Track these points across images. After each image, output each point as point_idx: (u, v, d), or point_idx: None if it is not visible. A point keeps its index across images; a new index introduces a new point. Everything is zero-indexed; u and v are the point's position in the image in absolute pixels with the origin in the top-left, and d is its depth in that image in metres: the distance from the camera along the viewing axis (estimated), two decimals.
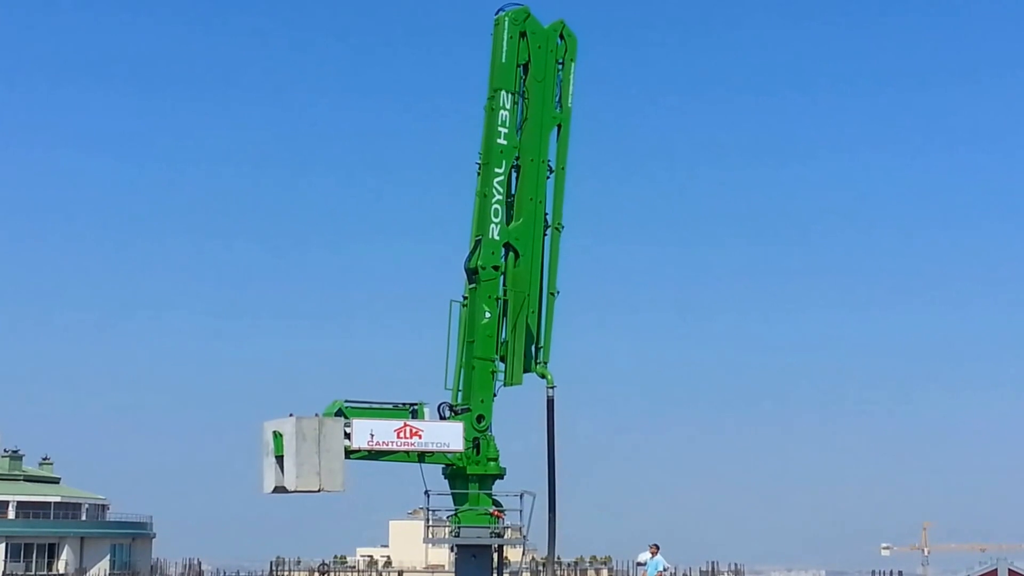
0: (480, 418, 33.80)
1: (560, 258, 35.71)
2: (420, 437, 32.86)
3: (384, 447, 32.60)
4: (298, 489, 31.55)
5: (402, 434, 32.71)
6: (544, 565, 56.27)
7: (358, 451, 32.32)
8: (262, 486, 32.58)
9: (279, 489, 32.07)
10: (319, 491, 31.75)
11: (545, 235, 35.55)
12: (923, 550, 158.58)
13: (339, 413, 32.42)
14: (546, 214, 35.66)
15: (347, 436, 32.10)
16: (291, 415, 31.88)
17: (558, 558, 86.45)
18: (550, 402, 34.62)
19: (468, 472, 33.69)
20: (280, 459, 31.87)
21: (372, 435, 32.41)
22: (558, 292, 35.51)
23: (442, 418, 33.48)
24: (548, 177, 35.77)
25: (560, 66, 36.24)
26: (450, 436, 33.19)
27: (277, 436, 31.94)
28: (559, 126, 36.12)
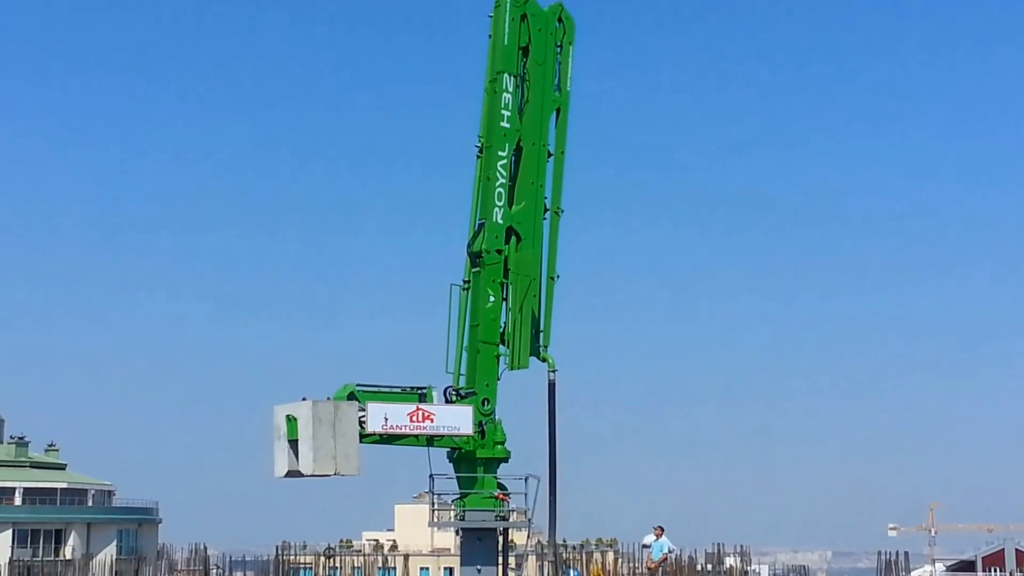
0: (485, 401, 33.78)
1: (559, 242, 35.60)
2: (432, 421, 32.77)
3: (397, 431, 32.47)
4: (314, 473, 31.29)
5: (415, 418, 32.61)
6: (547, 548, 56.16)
7: (371, 435, 32.17)
8: (274, 471, 32.30)
9: (293, 473, 31.83)
10: (335, 475, 31.54)
11: (544, 219, 35.48)
12: (930, 530, 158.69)
13: (351, 397, 32.24)
14: (545, 198, 35.59)
15: (361, 420, 31.92)
16: (304, 399, 31.70)
17: (563, 541, 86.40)
18: (551, 386, 34.58)
19: (477, 456, 33.66)
20: (293, 443, 31.62)
21: (386, 419, 32.27)
22: (558, 276, 35.50)
23: (448, 402, 33.44)
24: (547, 161, 35.70)
25: (558, 49, 36.16)
26: (460, 420, 33.11)
27: (291, 420, 31.68)
28: (558, 110, 36.07)
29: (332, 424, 31.25)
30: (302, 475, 31.64)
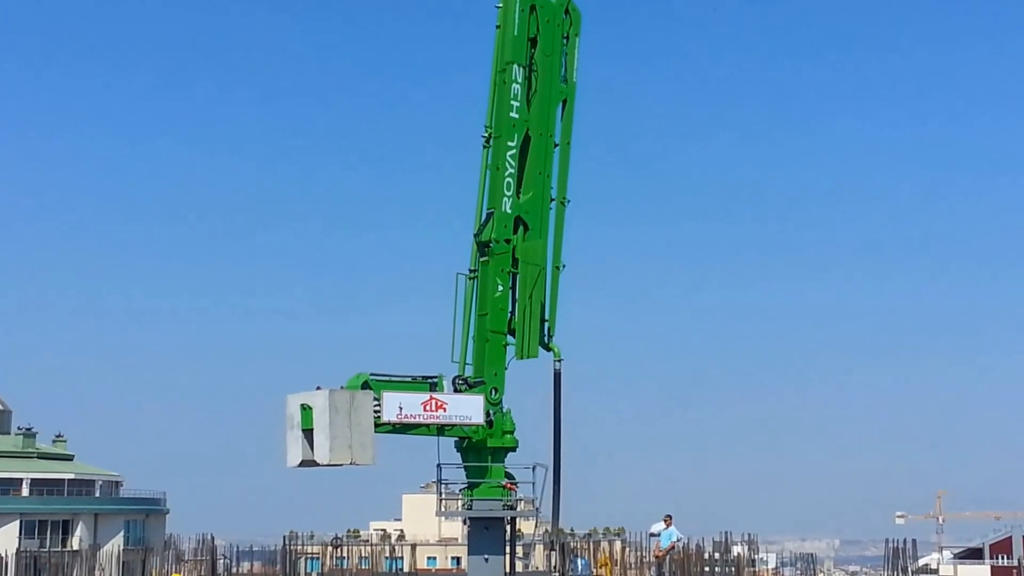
0: (494, 391, 33.73)
1: (564, 232, 35.58)
2: (445, 410, 32.65)
3: (411, 420, 32.28)
4: (331, 463, 30.98)
5: (428, 407, 32.48)
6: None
7: (386, 424, 31.96)
8: (286, 460, 31.91)
9: (307, 463, 31.51)
10: (351, 465, 31.28)
11: (550, 209, 35.41)
12: (938, 518, 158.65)
13: (364, 386, 31.98)
14: (551, 188, 35.55)
15: (375, 409, 31.67)
16: (318, 388, 31.39)
17: (571, 530, 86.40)
18: (557, 375, 34.57)
19: (489, 445, 33.58)
20: (307, 432, 31.28)
21: (401, 408, 32.10)
22: (564, 266, 35.45)
23: (457, 391, 33.32)
24: (553, 151, 35.67)
25: (565, 41, 36.20)
26: (472, 409, 33.02)
27: (305, 409, 31.31)
28: (564, 101, 36.07)
29: (348, 413, 30.93)
30: (317, 465, 31.34)
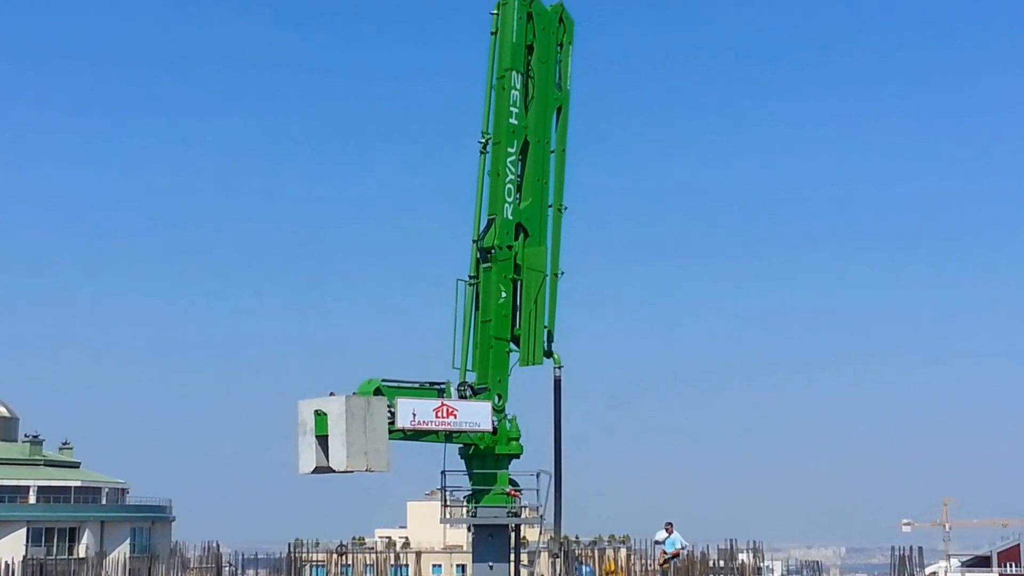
0: (498, 397, 33.80)
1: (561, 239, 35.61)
2: (455, 416, 32.76)
3: (423, 427, 32.36)
4: (347, 469, 30.88)
5: (440, 413, 32.60)
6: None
7: (399, 431, 31.96)
8: (299, 467, 31.73)
9: (321, 470, 31.36)
10: (366, 471, 31.19)
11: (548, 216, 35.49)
12: (944, 526, 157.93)
13: (377, 392, 31.98)
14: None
15: (390, 415, 31.66)
16: (332, 393, 31.34)
17: (576, 537, 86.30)
18: (557, 382, 34.61)
19: (497, 452, 33.68)
20: (322, 439, 31.14)
21: (414, 414, 32.18)
22: (562, 273, 35.48)
23: (463, 398, 33.34)
24: (550, 158, 35.80)
25: (559, 48, 36.44)
26: (480, 416, 33.13)
27: (319, 415, 31.19)
28: (559, 108, 36.23)
29: (364, 419, 30.85)
30: (331, 471, 31.15)
